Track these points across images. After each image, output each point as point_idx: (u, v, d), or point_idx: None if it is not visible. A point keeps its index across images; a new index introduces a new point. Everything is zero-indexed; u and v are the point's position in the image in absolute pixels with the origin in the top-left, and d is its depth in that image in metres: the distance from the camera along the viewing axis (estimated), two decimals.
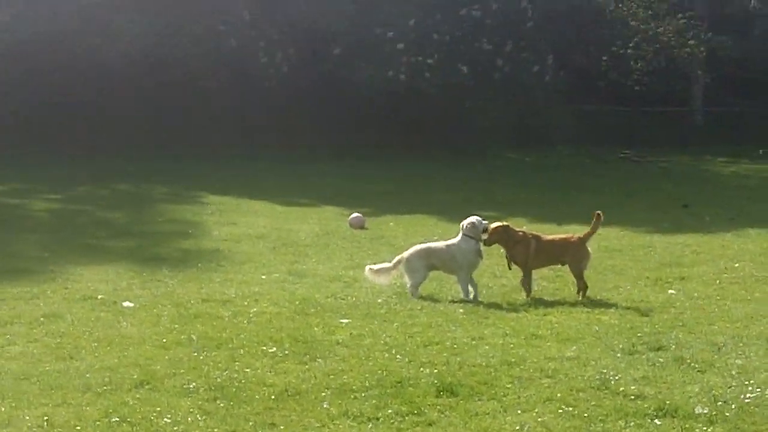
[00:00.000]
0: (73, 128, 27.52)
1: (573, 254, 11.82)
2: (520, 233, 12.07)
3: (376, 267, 12.18)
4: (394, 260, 12.08)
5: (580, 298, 11.58)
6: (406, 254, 12.00)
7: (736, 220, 18.21)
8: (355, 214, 17.72)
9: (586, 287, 11.74)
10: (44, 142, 27.27)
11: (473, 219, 11.96)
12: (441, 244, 12.11)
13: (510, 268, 12.23)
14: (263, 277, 13.01)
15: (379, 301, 11.48)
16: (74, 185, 21.81)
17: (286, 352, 9.22)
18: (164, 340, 9.61)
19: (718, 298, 11.75)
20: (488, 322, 10.51)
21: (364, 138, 28.93)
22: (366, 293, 11.90)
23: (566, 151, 28.86)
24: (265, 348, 9.33)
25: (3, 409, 7.55)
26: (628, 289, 12.07)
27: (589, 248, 11.89)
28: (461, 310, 11.00)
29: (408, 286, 11.81)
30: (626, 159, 28.12)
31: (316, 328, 10.13)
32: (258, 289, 12.17)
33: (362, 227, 17.30)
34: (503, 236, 11.95)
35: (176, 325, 10.23)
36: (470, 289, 11.73)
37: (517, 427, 7.18)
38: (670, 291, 12.19)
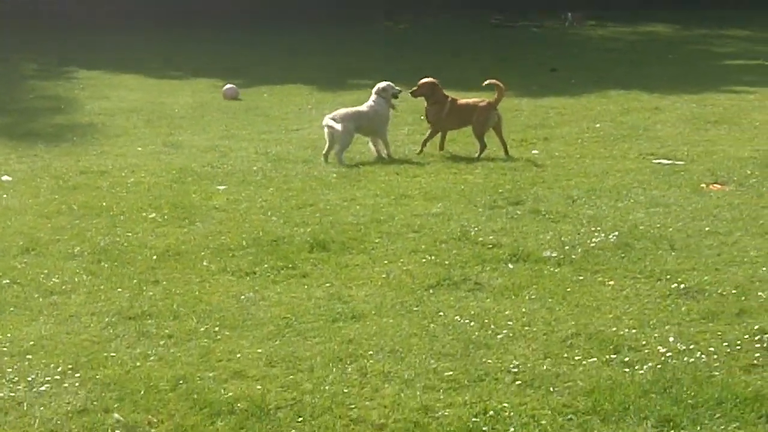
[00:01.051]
0: None
1: (478, 117, 12.45)
2: (443, 94, 12.68)
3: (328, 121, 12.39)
4: (328, 117, 12.39)
5: (477, 157, 12.28)
6: (337, 117, 12.32)
7: (600, 82, 18.88)
8: (228, 85, 17.90)
9: (485, 148, 12.42)
10: None
11: (384, 83, 12.66)
12: (363, 107, 12.57)
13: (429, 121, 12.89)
14: (139, 149, 13.25)
15: (255, 168, 11.87)
16: None
17: (166, 216, 9.61)
18: (45, 210, 9.91)
19: (578, 156, 12.41)
20: (360, 185, 11.00)
21: (235, 6, 28.79)
22: (242, 162, 12.27)
23: (441, 16, 29.17)
24: (144, 214, 9.70)
25: None
26: (494, 151, 12.61)
27: (497, 111, 12.51)
28: (334, 175, 11.47)
29: (336, 149, 12.18)
30: (499, 25, 28.53)
31: (193, 195, 10.52)
32: (135, 160, 12.44)
33: (236, 98, 17.53)
34: (428, 91, 12.70)
35: (56, 196, 10.51)
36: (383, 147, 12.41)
37: (384, 275, 7.73)
38: (534, 151, 12.82)
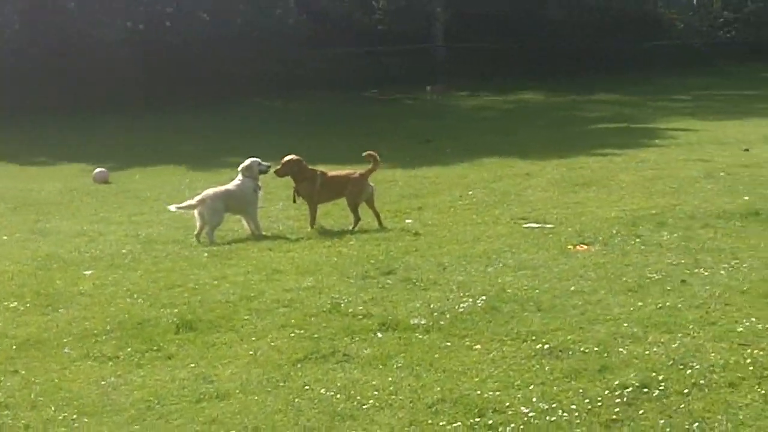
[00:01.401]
0: None
1: (351, 189, 12.44)
2: (310, 169, 12.57)
3: (181, 205, 12.41)
4: (196, 199, 12.29)
5: (352, 230, 12.25)
6: (206, 197, 12.24)
7: (474, 151, 19.14)
8: (98, 169, 17.73)
9: (359, 220, 12.40)
10: None
11: (249, 161, 12.56)
12: (230, 185, 12.47)
13: (294, 201, 12.74)
14: (5, 237, 13.00)
15: (124, 251, 11.69)
16: None
17: (28, 305, 9.36)
18: None
19: (451, 223, 12.51)
20: (231, 262, 10.89)
21: (105, 92, 28.55)
22: (111, 245, 12.08)
23: (315, 94, 29.35)
24: (6, 303, 9.44)
25: None
26: (368, 222, 12.62)
27: (369, 183, 12.52)
28: (206, 254, 11.34)
29: (206, 229, 12.08)
30: (373, 99, 28.84)
31: (58, 281, 10.28)
32: None
33: (106, 181, 17.34)
34: (294, 169, 12.59)
35: None
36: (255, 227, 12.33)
37: (251, 352, 7.62)
38: (407, 220, 12.89)
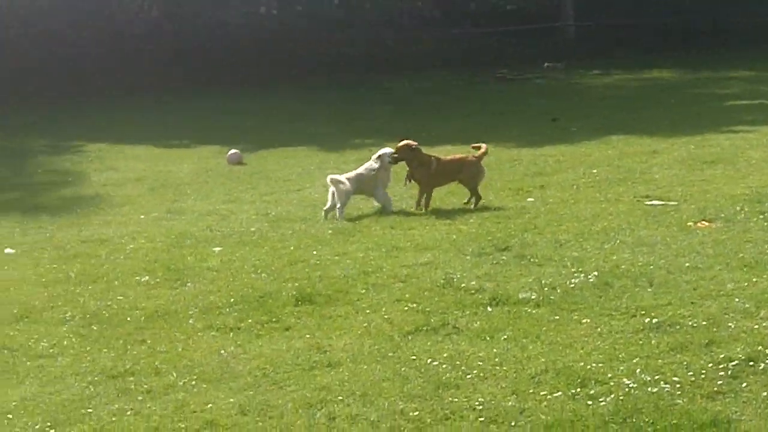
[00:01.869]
0: None
1: (467, 172, 12.61)
2: (425, 154, 12.83)
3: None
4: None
5: (473, 207, 12.42)
6: (343, 179, 12.65)
7: (601, 129, 19.03)
8: (232, 151, 18.15)
9: (480, 198, 12.57)
10: None
11: (383, 150, 12.89)
12: (361, 169, 12.86)
13: (406, 184, 13.02)
14: (142, 216, 13.48)
15: (252, 229, 12.06)
16: None
17: (158, 279, 9.80)
18: (44, 279, 10.12)
19: (572, 201, 12.54)
20: (353, 239, 11.16)
21: (240, 76, 29.17)
22: (241, 224, 12.46)
23: (441, 75, 29.45)
24: (138, 278, 9.90)
25: None
26: (490, 200, 12.76)
27: (483, 166, 12.68)
28: (330, 231, 11.63)
29: (338, 207, 12.43)
30: (502, 78, 28.77)
31: (189, 257, 10.70)
32: (136, 228, 12.65)
33: (240, 163, 17.78)
34: (408, 154, 12.75)
35: (55, 265, 10.71)
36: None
37: (365, 324, 7.89)
38: (529, 199, 12.96)
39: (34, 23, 27.30)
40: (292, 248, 10.84)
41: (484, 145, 12.91)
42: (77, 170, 18.13)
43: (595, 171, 14.62)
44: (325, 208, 12.56)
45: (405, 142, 12.99)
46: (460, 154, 13.23)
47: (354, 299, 8.66)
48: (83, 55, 28.25)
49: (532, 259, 9.52)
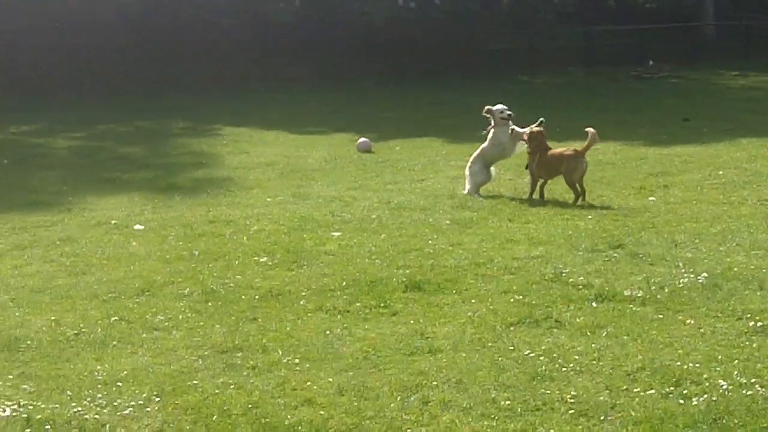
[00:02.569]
0: (97, 70, 28.39)
1: (566, 166, 12.64)
2: (543, 144, 13.04)
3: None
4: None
5: (579, 202, 12.51)
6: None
7: (733, 131, 18.75)
8: (362, 139, 18.45)
9: (583, 192, 12.63)
10: (69, 85, 28.16)
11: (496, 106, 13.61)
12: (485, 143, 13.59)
13: (526, 168, 13.35)
14: (268, 200, 13.83)
15: (373, 216, 12.28)
16: (96, 124, 22.66)
17: (276, 260, 10.09)
18: (167, 256, 10.51)
19: (694, 202, 12.44)
20: (470, 230, 11.29)
21: (376, 66, 29.57)
22: (362, 210, 12.69)
23: (576, 71, 29.32)
24: (257, 258, 10.20)
25: (18, 314, 8.49)
26: (611, 198, 12.75)
27: (584, 161, 12.70)
28: (447, 221, 11.78)
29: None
30: (637, 77, 28.50)
31: (308, 241, 10.98)
32: (261, 210, 13.00)
33: (369, 151, 18.05)
34: (535, 140, 13.06)
35: (180, 243, 11.11)
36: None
37: (469, 314, 8.02)
38: (651, 198, 12.89)
39: (185, 10, 28.09)
40: (408, 237, 11.01)
41: (590, 132, 12.77)
42: (212, 152, 18.67)
43: (721, 173, 14.45)
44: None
45: (535, 128, 13.17)
46: (566, 148, 13.19)
47: (462, 289, 8.79)
48: (229, 41, 28.99)
49: (644, 258, 9.52)
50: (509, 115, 13.30)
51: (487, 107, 13.40)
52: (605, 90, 26.62)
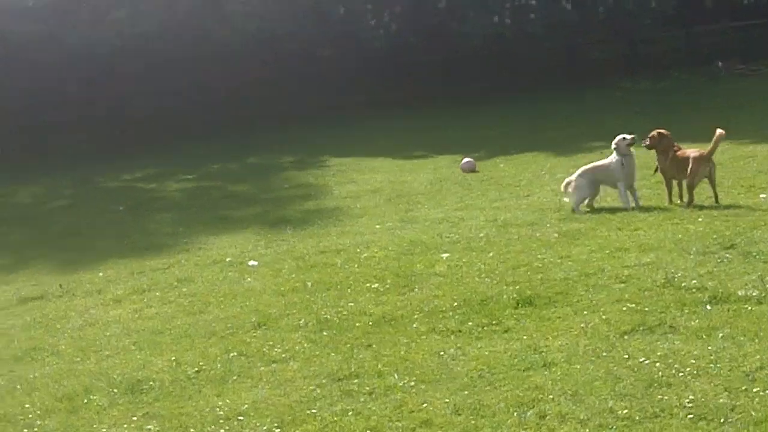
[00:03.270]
0: (204, 110, 28.99)
1: (691, 168, 12.55)
2: (670, 143, 13.01)
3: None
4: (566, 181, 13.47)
5: (685, 206, 12.45)
6: (573, 176, 13.37)
7: None
8: (466, 159, 18.50)
9: (715, 196, 12.57)
10: (177, 128, 28.81)
11: (617, 138, 13.20)
12: (601, 161, 13.46)
13: (654, 173, 13.34)
14: (377, 226, 13.96)
15: (481, 235, 12.32)
16: (206, 164, 23.12)
17: (388, 286, 10.20)
18: (282, 288, 10.70)
19: None
20: (578, 242, 11.26)
21: (475, 86, 29.63)
22: (469, 230, 12.74)
23: (679, 73, 28.96)
24: (369, 285, 10.33)
25: (139, 356, 8.75)
26: (721, 198, 12.59)
27: (711, 162, 12.58)
28: (556, 234, 11.76)
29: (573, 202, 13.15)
30: (741, 74, 28.03)
31: (418, 264, 11.07)
32: (370, 237, 13.13)
33: (473, 171, 18.09)
34: (656, 142, 13.06)
35: (293, 275, 11.30)
36: (630, 198, 12.92)
37: (582, 325, 8.01)
38: (762, 196, 12.70)
39: (282, 43, 28.57)
40: (516, 252, 11.03)
41: (718, 132, 12.55)
42: (320, 184, 18.90)
43: None
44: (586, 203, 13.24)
45: (657, 130, 13.11)
46: (695, 149, 13.01)
47: (573, 300, 8.79)
48: (329, 71, 29.35)
49: (757, 256, 9.40)
50: (633, 138, 13.18)
51: (614, 144, 13.19)
52: (709, 90, 26.23)
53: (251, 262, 12.37)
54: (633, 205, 12.77)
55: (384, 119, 27.65)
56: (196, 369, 8.18)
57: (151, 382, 7.95)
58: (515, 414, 6.34)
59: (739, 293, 8.22)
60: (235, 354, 8.45)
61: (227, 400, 7.30)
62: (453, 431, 6.20)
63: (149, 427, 6.99)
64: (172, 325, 9.74)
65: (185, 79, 28.76)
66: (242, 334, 9.09)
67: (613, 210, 12.75)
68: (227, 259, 12.65)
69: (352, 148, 23.20)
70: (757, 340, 7.12)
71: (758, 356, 6.78)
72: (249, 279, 11.46)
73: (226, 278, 11.63)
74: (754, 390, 6.24)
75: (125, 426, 7.09)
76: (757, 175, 14.07)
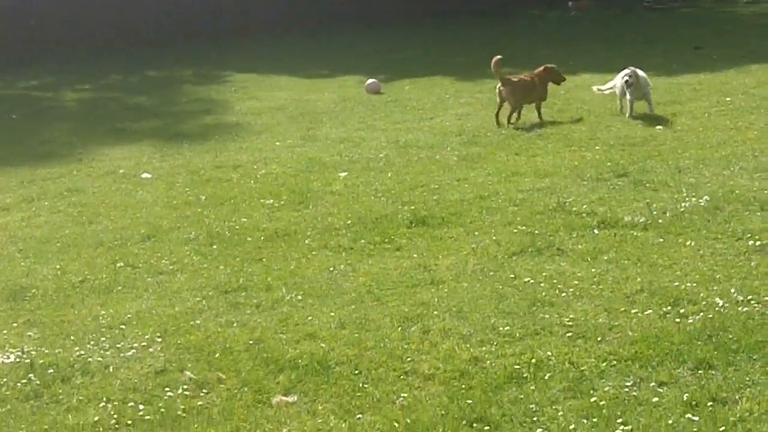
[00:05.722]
0: (105, 22, 28.30)
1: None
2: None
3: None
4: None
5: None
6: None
7: (744, 58, 18.56)
8: (370, 80, 18.37)
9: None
10: (77, 38, 28.08)
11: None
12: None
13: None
14: (277, 143, 13.84)
15: (381, 155, 12.28)
16: (105, 75, 22.65)
17: (283, 202, 10.14)
18: (174, 202, 10.57)
19: (701, 129, 12.37)
20: (477, 165, 11.29)
21: (386, 7, 29.38)
22: (370, 150, 12.69)
23: (590, 3, 29.01)
24: (263, 201, 10.25)
25: (23, 264, 8.60)
26: (618, 128, 12.70)
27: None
28: (455, 158, 11.78)
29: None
30: (649, 8, 28.18)
31: (315, 182, 11.01)
32: (270, 154, 13.02)
33: (378, 92, 17.98)
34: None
35: (187, 189, 11.17)
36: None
37: (473, 246, 8.06)
38: (658, 127, 12.85)
39: None
40: (414, 174, 11.04)
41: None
42: (221, 99, 18.64)
43: (729, 99, 14.34)
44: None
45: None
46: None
47: (467, 222, 8.83)
48: None
49: (648, 185, 9.52)
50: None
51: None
52: (618, 23, 26.32)
53: (145, 175, 12.19)
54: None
55: (289, 38, 27.29)
56: (81, 278, 8.06)
57: (34, 290, 7.83)
58: (399, 329, 6.37)
59: (626, 219, 8.33)
60: (122, 265, 8.34)
61: (110, 310, 7.22)
62: (336, 344, 6.20)
63: (30, 333, 6.88)
64: (60, 234, 9.58)
65: None
66: (131, 245, 8.98)
67: (513, 135, 12.78)
68: (120, 171, 12.45)
69: (257, 64, 22.86)
70: (639, 264, 7.23)
71: (639, 279, 6.89)
72: (141, 191, 11.30)
73: (119, 190, 11.46)
74: (633, 311, 6.34)
75: (5, 332, 6.97)
76: (657, 107, 14.17)
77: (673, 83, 16.37)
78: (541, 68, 13.86)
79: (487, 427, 5.13)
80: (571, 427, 5.05)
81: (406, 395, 5.53)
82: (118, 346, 6.48)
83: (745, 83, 15.59)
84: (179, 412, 5.58)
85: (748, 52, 19.39)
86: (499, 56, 13.70)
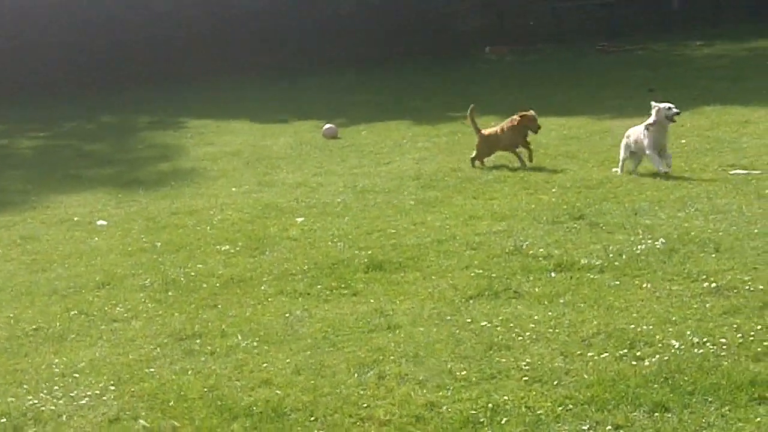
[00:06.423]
0: (62, 68, 28.24)
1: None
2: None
3: None
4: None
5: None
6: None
7: (697, 99, 18.77)
8: (327, 125, 18.39)
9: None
10: (31, 85, 27.97)
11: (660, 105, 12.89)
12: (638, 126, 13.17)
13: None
14: (233, 189, 13.79)
15: (338, 200, 12.27)
16: (60, 122, 22.53)
17: (239, 248, 10.08)
18: (129, 249, 10.48)
19: (656, 171, 12.48)
20: (434, 209, 11.30)
21: (342, 52, 29.51)
22: (327, 195, 12.69)
23: (546, 48, 29.29)
24: (219, 247, 10.19)
25: None
26: (575, 171, 12.78)
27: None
28: (412, 202, 11.79)
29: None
30: (603, 50, 28.47)
31: (271, 228, 10.97)
32: (226, 200, 12.96)
33: (335, 137, 18.01)
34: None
35: (143, 236, 11.08)
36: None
37: (430, 290, 8.04)
38: (614, 169, 12.94)
39: (143, 5, 28.02)
40: (371, 218, 11.02)
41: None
42: (177, 145, 18.58)
43: (683, 141, 14.48)
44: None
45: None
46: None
47: (424, 266, 8.82)
48: (190, 33, 28.87)
49: (604, 227, 9.57)
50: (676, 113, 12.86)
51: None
52: (576, 65, 26.61)
53: (100, 222, 12.10)
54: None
55: (246, 84, 27.34)
56: (35, 326, 7.96)
57: None
58: (355, 375, 6.33)
59: (583, 261, 8.35)
60: (76, 312, 8.25)
61: (64, 358, 7.13)
62: (292, 390, 6.15)
63: None
64: (13, 282, 9.47)
65: (44, 33, 27.98)
66: (85, 293, 8.89)
67: (471, 179, 12.82)
68: (75, 218, 12.35)
69: (212, 110, 22.82)
70: (595, 307, 7.24)
71: (595, 322, 6.90)
72: (96, 239, 11.21)
73: (73, 237, 11.35)
74: (589, 354, 6.34)
75: None
76: (611, 149, 14.26)
77: (629, 125, 16.24)
78: (517, 116, 13.73)
79: None
80: None
81: None
82: (71, 394, 6.39)
83: (698, 125, 15.75)
84: None
85: (700, 94, 19.61)
86: (472, 105, 13.72)
